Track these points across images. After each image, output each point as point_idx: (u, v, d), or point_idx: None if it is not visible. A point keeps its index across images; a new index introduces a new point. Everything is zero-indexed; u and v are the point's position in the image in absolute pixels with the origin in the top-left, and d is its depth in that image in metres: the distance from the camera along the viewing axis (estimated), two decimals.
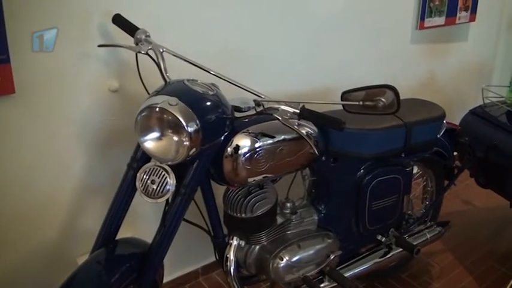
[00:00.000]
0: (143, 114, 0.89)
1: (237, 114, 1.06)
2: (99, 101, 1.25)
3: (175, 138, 0.89)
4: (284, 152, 1.09)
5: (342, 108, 1.06)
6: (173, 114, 0.87)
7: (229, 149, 1.01)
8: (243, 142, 1.02)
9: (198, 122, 0.89)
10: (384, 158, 1.36)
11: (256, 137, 1.03)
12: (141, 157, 1.00)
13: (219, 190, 1.16)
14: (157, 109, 0.88)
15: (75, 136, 1.25)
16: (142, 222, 1.39)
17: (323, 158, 1.25)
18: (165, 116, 0.88)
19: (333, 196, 1.34)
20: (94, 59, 1.20)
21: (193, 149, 0.91)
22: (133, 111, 0.93)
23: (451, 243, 1.86)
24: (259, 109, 1.07)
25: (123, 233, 1.06)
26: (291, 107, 1.02)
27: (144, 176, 0.96)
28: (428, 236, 1.58)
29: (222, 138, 1.00)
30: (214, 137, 0.97)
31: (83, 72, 1.20)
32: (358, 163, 1.35)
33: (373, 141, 1.31)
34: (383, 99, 0.97)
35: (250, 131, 1.03)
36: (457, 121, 1.78)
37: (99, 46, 1.15)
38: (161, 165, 0.95)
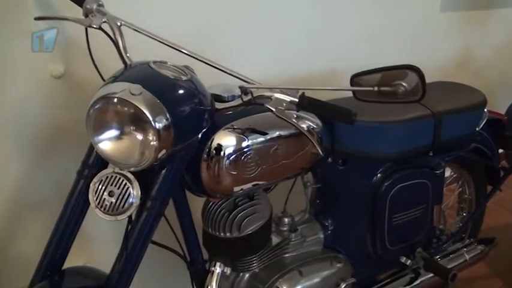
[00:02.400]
0: (97, 106, 0.89)
1: (218, 105, 1.07)
2: (39, 91, 1.25)
3: (140, 137, 0.90)
4: (279, 153, 1.10)
5: (351, 95, 1.07)
6: (136, 106, 0.87)
7: (208, 150, 1.03)
8: (227, 141, 1.03)
9: (168, 115, 0.89)
10: (406, 159, 1.38)
11: (243, 133, 1.05)
12: (95, 162, 1.01)
13: (196, 203, 1.18)
14: (115, 100, 0.88)
15: (7, 136, 1.24)
16: (97, 246, 1.40)
17: (329, 159, 1.27)
18: (125, 108, 0.88)
19: (343, 208, 1.36)
20: (31, 37, 1.16)
21: (163, 151, 0.92)
22: (84, 103, 0.93)
23: (497, 266, 1.87)
24: (246, 98, 1.07)
25: (72, 261, 1.06)
26: (288, 95, 1.02)
27: (100, 187, 0.96)
28: (467, 256, 1.61)
29: (200, 136, 1.01)
30: (189, 134, 0.98)
31: (17, 54, 1.20)
32: (374, 165, 1.36)
33: (393, 137, 1.32)
34: (404, 84, 0.97)
35: (235, 127, 1.05)
36: (502, 109, 1.78)
37: (36, 19, 1.13)
38: (122, 172, 0.96)
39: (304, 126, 1.15)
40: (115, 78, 0.94)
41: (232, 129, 1.04)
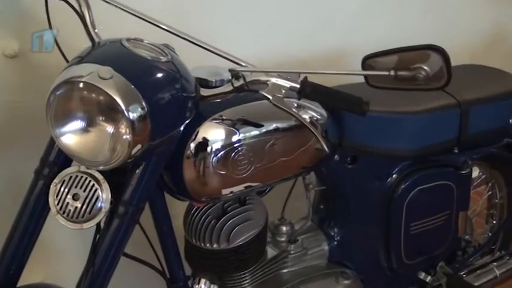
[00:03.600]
0: (59, 93, 0.89)
1: (204, 92, 1.08)
2: None
3: (110, 129, 0.90)
4: (277, 149, 1.12)
5: (363, 80, 1.07)
6: (106, 92, 0.87)
7: (192, 144, 1.03)
8: (214, 134, 1.04)
9: (144, 104, 0.90)
10: (427, 156, 1.39)
11: (233, 125, 1.06)
12: (57, 159, 1.01)
13: (178, 208, 1.19)
14: (80, 85, 0.88)
15: None
16: (58, 260, 1.40)
17: (336, 156, 1.28)
18: (93, 95, 0.88)
19: (352, 214, 1.37)
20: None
21: (138, 146, 0.92)
22: (43, 87, 0.92)
23: None
24: (238, 83, 1.07)
25: (29, 277, 1.05)
26: (287, 79, 1.02)
27: (62, 189, 0.96)
28: (498, 272, 1.61)
29: (182, 128, 1.02)
30: (169, 126, 0.99)
31: None
32: (389, 164, 1.37)
33: (411, 131, 1.33)
34: (425, 67, 0.97)
35: (224, 117, 1.05)
36: None
37: None
38: (88, 171, 0.96)
39: (307, 117, 1.15)
40: (81, 59, 0.94)
41: (220, 121, 1.05)
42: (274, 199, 1.31)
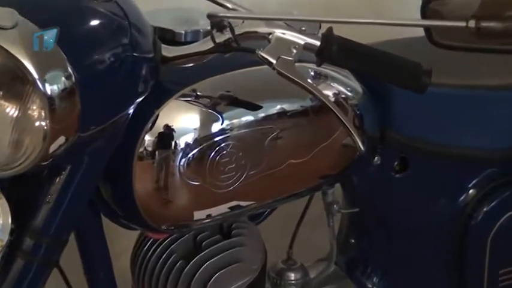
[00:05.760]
0: None
1: (168, 51, 1.05)
2: None
3: (12, 111, 0.88)
4: (282, 146, 1.10)
5: (422, 35, 1.08)
6: (6, 50, 0.83)
7: (148, 138, 1.00)
8: (183, 121, 1.02)
9: (70, 70, 0.86)
10: None
11: (214, 107, 1.03)
12: None
13: (122, 241, 1.25)
14: None
15: None
16: None
17: (376, 159, 1.26)
18: None
19: (402, 255, 1.36)
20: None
21: (60, 140, 0.88)
22: None
23: None
24: (222, 37, 1.03)
25: None
26: (300, 32, 0.99)
27: None
28: None
29: (131, 111, 0.98)
30: (110, 108, 0.96)
31: None
32: (463, 173, 1.35)
33: (500, 119, 1.32)
34: None
35: (199, 94, 1.03)
36: None
37: None
38: None
39: (330, 93, 1.13)
40: None
41: (193, 98, 1.02)
42: (276, 228, 1.33)
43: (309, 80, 1.05)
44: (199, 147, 1.01)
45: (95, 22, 0.92)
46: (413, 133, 1.26)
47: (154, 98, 1.00)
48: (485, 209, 1.30)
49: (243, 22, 1.03)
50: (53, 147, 0.87)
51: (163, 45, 1.03)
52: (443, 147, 1.27)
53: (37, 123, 0.86)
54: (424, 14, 1.02)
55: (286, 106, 1.08)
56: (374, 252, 1.37)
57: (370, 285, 1.36)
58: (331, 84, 1.15)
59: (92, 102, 0.89)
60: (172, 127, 1.00)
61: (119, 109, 0.96)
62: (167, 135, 1.00)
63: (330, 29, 0.97)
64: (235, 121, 1.04)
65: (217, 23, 1.02)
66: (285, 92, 1.07)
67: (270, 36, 0.99)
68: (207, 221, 1.09)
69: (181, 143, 1.00)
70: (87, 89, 0.87)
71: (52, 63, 0.85)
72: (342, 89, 1.16)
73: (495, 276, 1.35)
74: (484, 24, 0.92)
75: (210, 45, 1.03)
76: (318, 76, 1.12)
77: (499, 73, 1.30)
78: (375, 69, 1.01)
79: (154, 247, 1.17)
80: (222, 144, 1.02)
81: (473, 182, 1.33)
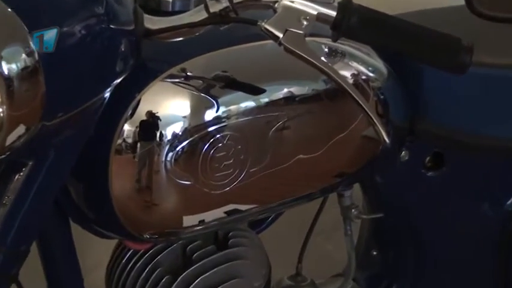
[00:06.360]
0: None
1: (152, 22, 1.02)
2: None
3: None
4: (289, 138, 1.08)
5: (460, 3, 1.05)
6: None
7: (127, 127, 0.98)
8: (170, 107, 1.01)
9: (32, 44, 0.83)
10: None
11: (207, 90, 1.01)
12: None
13: (96, 252, 1.29)
14: None
15: None
16: None
17: (403, 154, 1.24)
18: None
19: (436, 269, 1.35)
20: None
21: (19, 129, 0.87)
22: None
23: None
24: (216, 6, 1.01)
25: None
26: (312, 0, 0.97)
27: None
28: None
29: (107, 94, 0.96)
30: (82, 91, 0.93)
31: None
32: (510, 169, 1.34)
33: None
34: None
35: (190, 74, 1.00)
36: None
37: None
38: None
39: (348, 74, 1.10)
40: None
41: (182, 80, 1.00)
42: (282, 237, 1.38)
43: (323, 58, 1.03)
44: (190, 139, 1.00)
45: None
46: (450, 123, 1.24)
47: (135, 80, 0.98)
48: None
49: None
50: (10, 139, 0.85)
51: (146, 16, 1.01)
52: (485, 140, 1.26)
53: None
54: None
55: (295, 89, 1.07)
56: (401, 266, 1.37)
57: None
58: (350, 63, 1.12)
59: (59, 84, 0.87)
60: (157, 114, 0.99)
61: (92, 93, 0.94)
62: (151, 124, 0.99)
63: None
64: (233, 107, 1.03)
65: None
66: (293, 72, 1.06)
67: (276, 5, 0.98)
68: (198, 228, 1.07)
69: (168, 133, 0.99)
70: (53, 68, 0.85)
71: (10, 36, 0.84)
72: (362, 69, 1.13)
73: None
74: None
75: (203, 15, 1.02)
76: (333, 53, 1.10)
77: None
78: (403, 45, 0.99)
79: (135, 259, 1.15)
80: (217, 136, 1.01)
81: None
